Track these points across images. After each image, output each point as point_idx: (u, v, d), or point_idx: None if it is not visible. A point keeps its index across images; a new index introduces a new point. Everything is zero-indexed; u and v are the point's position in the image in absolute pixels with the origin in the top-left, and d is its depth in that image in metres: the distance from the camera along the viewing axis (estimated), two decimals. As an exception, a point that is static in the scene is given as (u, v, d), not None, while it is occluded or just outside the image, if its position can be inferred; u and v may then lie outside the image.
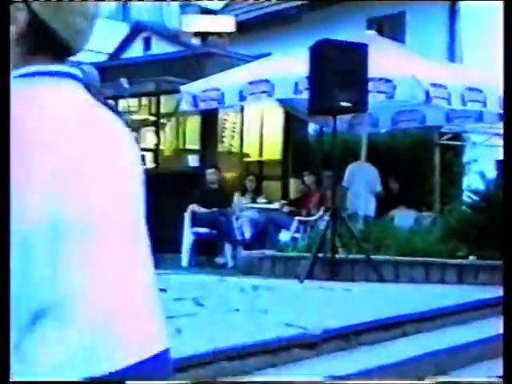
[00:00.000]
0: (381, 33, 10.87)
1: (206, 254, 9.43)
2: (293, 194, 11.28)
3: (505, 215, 2.39)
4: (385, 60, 8.09)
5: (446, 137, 10.80)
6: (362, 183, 9.92)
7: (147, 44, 15.06)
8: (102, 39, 18.62)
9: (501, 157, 2.65)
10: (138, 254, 1.12)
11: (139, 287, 1.12)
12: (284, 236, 8.93)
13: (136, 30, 15.85)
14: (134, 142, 1.20)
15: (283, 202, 10.45)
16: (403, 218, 9.41)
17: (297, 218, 9.39)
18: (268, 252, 7.90)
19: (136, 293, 1.11)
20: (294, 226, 9.18)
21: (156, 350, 1.10)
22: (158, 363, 1.10)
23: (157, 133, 11.01)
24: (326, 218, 7.47)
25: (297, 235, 8.82)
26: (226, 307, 4.87)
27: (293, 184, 11.52)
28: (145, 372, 1.06)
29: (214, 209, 9.34)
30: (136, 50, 14.85)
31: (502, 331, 2.03)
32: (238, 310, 4.77)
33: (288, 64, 8.87)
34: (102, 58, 14.67)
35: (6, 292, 0.98)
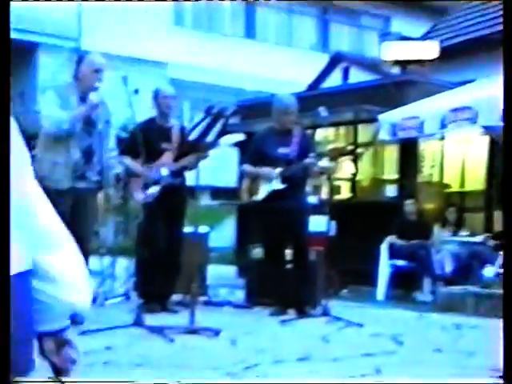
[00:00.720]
0: None
1: (404, 288, 9.11)
2: (497, 227, 10.65)
3: None
4: None
5: None
6: None
7: (345, 73, 15.07)
8: (303, 70, 19.07)
9: None
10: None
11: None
12: (489, 271, 8.41)
13: (335, 60, 15.94)
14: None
15: (488, 234, 9.89)
16: None
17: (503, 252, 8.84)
18: (471, 288, 7.49)
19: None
20: (500, 261, 8.63)
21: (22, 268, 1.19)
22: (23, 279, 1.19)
23: (354, 162, 10.90)
24: (537, 253, 6.94)
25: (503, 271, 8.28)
26: (426, 346, 4.61)
27: (497, 216, 10.89)
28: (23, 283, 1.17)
29: (413, 241, 9.04)
30: (334, 80, 14.91)
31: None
32: (439, 350, 4.49)
33: (493, 89, 8.42)
34: (302, 88, 14.88)
35: (6, 291, 1.02)
